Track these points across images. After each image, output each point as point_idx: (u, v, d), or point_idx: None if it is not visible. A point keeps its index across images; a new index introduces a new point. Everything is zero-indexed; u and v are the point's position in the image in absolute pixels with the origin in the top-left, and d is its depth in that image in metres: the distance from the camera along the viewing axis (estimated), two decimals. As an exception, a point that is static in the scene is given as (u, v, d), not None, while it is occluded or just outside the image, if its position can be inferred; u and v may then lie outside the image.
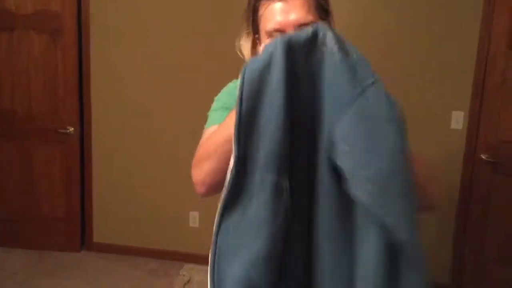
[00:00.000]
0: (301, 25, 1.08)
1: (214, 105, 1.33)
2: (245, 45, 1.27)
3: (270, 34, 1.12)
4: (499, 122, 2.97)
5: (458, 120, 3.04)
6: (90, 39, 3.32)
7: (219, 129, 1.06)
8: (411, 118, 3.31)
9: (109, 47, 3.33)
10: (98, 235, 3.58)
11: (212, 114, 1.31)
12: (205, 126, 1.29)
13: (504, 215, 3.03)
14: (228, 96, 1.30)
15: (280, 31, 1.09)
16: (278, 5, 1.10)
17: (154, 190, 3.46)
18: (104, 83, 3.38)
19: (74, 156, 3.43)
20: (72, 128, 3.36)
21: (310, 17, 1.10)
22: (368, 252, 0.85)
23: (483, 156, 3.00)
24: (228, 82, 1.37)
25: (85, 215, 3.55)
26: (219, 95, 1.34)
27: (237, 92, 0.88)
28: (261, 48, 1.15)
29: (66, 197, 3.48)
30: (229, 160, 0.95)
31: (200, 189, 1.12)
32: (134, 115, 3.39)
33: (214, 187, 1.07)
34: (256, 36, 1.20)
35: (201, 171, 1.08)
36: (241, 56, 1.29)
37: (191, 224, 3.45)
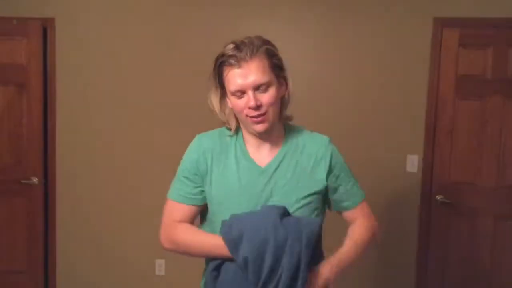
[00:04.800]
0: (259, 85, 1.32)
1: (179, 169, 1.48)
2: (214, 98, 1.43)
3: (233, 93, 1.34)
4: (450, 165, 3.13)
5: (413, 163, 3.18)
6: (56, 91, 3.36)
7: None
8: (369, 162, 3.47)
9: (75, 98, 3.37)
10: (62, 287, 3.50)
11: (176, 183, 1.48)
12: (168, 195, 1.48)
13: (462, 253, 3.15)
14: (190, 163, 1.44)
15: (242, 91, 1.32)
16: (237, 71, 1.31)
17: (120, 238, 3.44)
18: (70, 133, 3.39)
19: (37, 206, 3.39)
20: (36, 179, 3.35)
21: (266, 78, 1.32)
22: None
23: (438, 197, 3.14)
24: (193, 131, 1.53)
25: (49, 267, 3.48)
26: (184, 157, 1.48)
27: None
28: (229, 102, 1.40)
29: (28, 248, 3.42)
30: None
31: (166, 247, 1.49)
32: (99, 165, 3.40)
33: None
34: (223, 90, 1.39)
35: (176, 247, 1.45)
36: (211, 107, 1.45)
37: (157, 273, 3.42)
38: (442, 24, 3.05)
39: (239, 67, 1.30)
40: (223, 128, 1.48)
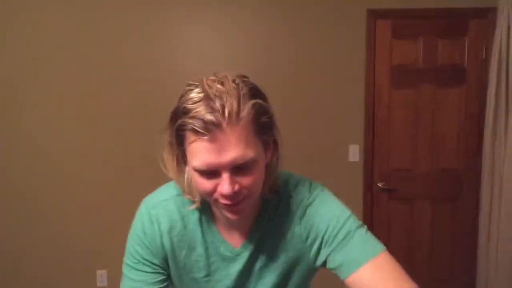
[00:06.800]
0: (239, 166, 0.84)
1: (127, 253, 1.03)
2: (168, 159, 0.96)
3: (198, 171, 0.87)
4: (389, 153, 3.24)
5: (354, 153, 3.25)
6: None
7: None
8: (312, 153, 3.51)
9: (3, 100, 3.10)
10: (-8, 310, 3.20)
11: (126, 275, 1.03)
12: (121, 284, 1.04)
13: (404, 236, 3.28)
14: (140, 246, 1.01)
15: (211, 172, 0.86)
16: (206, 144, 0.83)
17: (56, 251, 3.20)
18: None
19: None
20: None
21: (250, 153, 0.84)
22: None
23: (379, 185, 3.23)
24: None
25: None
26: (130, 238, 1.04)
27: None
28: (195, 179, 0.89)
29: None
30: None
31: None
32: (24, 177, 3.15)
33: None
34: (183, 155, 0.91)
35: None
36: (163, 168, 0.97)
37: (98, 284, 3.23)
38: (375, 15, 3.13)
39: (211, 139, 0.82)
40: (180, 197, 1.01)
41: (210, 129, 0.81)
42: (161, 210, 1.01)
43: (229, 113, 0.81)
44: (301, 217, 0.99)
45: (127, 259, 1.02)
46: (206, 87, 0.84)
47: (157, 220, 1.01)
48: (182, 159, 0.93)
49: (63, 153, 3.16)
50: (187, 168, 0.94)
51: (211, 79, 0.86)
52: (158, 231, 1.00)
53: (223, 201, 0.88)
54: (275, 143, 0.95)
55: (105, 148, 3.16)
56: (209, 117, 0.80)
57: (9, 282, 3.21)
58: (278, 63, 3.17)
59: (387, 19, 3.13)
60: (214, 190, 0.87)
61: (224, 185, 0.85)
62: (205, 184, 0.87)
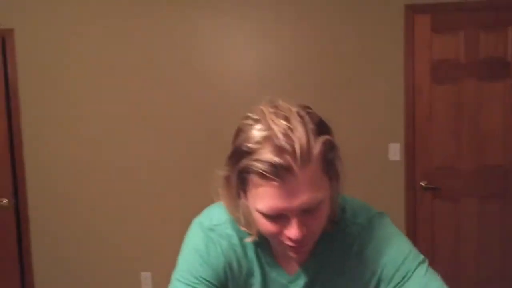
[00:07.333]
0: (307, 209, 0.79)
1: (182, 271, 0.96)
2: (224, 194, 0.91)
3: (264, 214, 0.81)
4: (431, 150, 3.15)
5: (395, 151, 3.18)
6: (20, 106, 3.18)
7: None
8: (351, 153, 3.48)
9: (40, 114, 3.21)
10: (43, 312, 3.32)
11: None
12: None
13: (449, 236, 3.19)
14: (201, 266, 0.95)
15: (278, 216, 0.80)
16: (275, 190, 0.76)
17: (101, 253, 3.29)
18: (38, 149, 3.22)
19: (10, 229, 3.19)
20: (6, 200, 3.15)
21: (319, 195, 0.79)
22: None
23: (422, 183, 3.16)
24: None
25: (26, 291, 3.29)
26: (187, 256, 0.97)
27: None
28: (257, 218, 0.84)
29: (3, 273, 3.21)
30: None
31: None
32: (72, 180, 3.25)
33: None
34: (241, 192, 0.85)
35: None
36: (215, 199, 0.96)
37: (143, 286, 3.29)
38: (413, 10, 3.06)
39: (281, 184, 0.75)
40: (234, 224, 0.96)
41: (280, 174, 0.74)
42: (220, 233, 0.97)
43: (300, 155, 0.74)
44: (358, 252, 0.94)
45: (181, 277, 0.96)
46: (271, 123, 0.76)
47: (219, 243, 0.96)
48: (240, 195, 0.86)
49: (110, 156, 3.25)
50: (244, 202, 0.87)
51: (273, 113, 0.78)
52: (221, 253, 0.96)
53: (289, 243, 0.83)
54: (338, 175, 0.87)
55: (152, 152, 3.22)
56: (278, 160, 0.73)
57: (55, 284, 3.31)
58: (313, 62, 3.15)
59: (426, 13, 3.06)
60: (279, 232, 0.82)
61: (293, 229, 0.80)
62: (270, 226, 0.82)
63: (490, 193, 3.15)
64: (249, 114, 0.81)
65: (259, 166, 0.75)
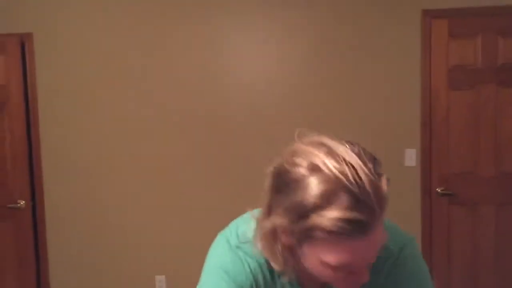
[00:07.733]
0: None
1: (205, 285, 0.92)
2: (264, 247, 0.83)
3: (331, 267, 0.73)
4: (448, 156, 3.12)
5: (411, 157, 3.16)
6: (38, 109, 3.23)
7: None
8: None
9: (58, 116, 3.25)
10: (58, 313, 3.35)
11: None
12: None
13: (466, 243, 3.14)
14: (227, 283, 0.89)
15: (349, 268, 0.73)
16: (348, 248, 0.69)
17: (116, 256, 3.31)
18: (55, 152, 3.26)
19: (26, 231, 3.23)
20: (23, 202, 3.19)
21: (385, 235, 0.74)
22: None
23: (438, 190, 3.12)
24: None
25: (42, 293, 3.32)
26: (211, 272, 0.92)
27: None
28: (318, 270, 0.76)
29: (20, 275, 3.25)
30: None
31: None
32: (88, 183, 3.28)
33: None
34: (291, 243, 0.76)
35: None
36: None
37: (158, 289, 3.31)
38: (430, 15, 3.04)
39: (359, 240, 0.68)
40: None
41: (357, 230, 0.66)
42: (247, 252, 0.91)
43: (377, 204, 0.66)
44: (387, 276, 0.91)
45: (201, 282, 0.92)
46: (333, 170, 0.66)
47: (246, 261, 0.91)
48: (292, 247, 0.77)
49: (127, 159, 3.27)
50: (294, 250, 0.78)
51: (327, 155, 0.69)
52: (249, 272, 0.90)
53: (342, 287, 0.78)
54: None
55: (169, 155, 3.24)
56: (354, 216, 0.65)
57: (70, 285, 3.34)
58: (330, 66, 3.14)
59: (443, 18, 3.04)
60: (336, 280, 0.76)
61: (365, 276, 0.74)
62: (335, 275, 0.75)
63: (508, 200, 3.10)
64: (296, 161, 0.71)
65: (333, 224, 0.66)
